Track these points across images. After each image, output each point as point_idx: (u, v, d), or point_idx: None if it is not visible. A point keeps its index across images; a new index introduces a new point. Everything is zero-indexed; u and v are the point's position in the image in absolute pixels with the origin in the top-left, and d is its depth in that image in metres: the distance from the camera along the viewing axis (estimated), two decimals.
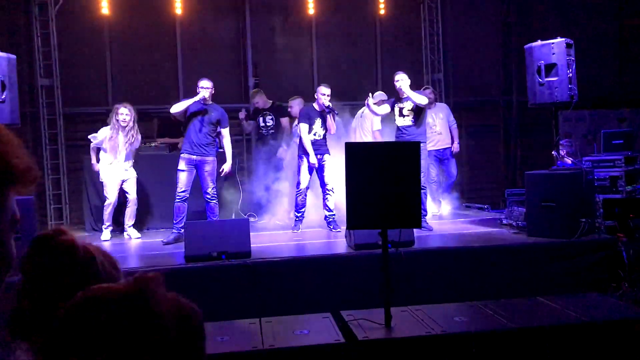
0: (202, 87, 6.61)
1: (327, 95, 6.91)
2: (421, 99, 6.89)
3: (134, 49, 9.51)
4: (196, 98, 6.59)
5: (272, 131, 8.08)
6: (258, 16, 9.97)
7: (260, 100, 8.21)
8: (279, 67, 10.00)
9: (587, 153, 7.95)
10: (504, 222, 6.85)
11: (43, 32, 8.66)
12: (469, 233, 6.63)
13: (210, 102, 6.74)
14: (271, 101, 8.28)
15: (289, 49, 10.08)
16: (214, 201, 6.70)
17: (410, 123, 6.97)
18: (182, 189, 6.54)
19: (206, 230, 5.49)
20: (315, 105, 7.00)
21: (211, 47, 9.86)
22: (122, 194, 6.95)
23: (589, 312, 4.19)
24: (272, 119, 8.09)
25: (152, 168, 7.76)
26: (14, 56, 5.70)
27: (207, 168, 6.62)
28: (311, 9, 9.79)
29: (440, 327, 4.00)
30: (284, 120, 8.12)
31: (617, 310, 4.33)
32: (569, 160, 7.18)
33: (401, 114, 7.04)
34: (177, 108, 6.65)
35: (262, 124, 8.13)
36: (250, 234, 5.52)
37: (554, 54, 6.06)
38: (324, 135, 6.99)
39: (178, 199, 6.56)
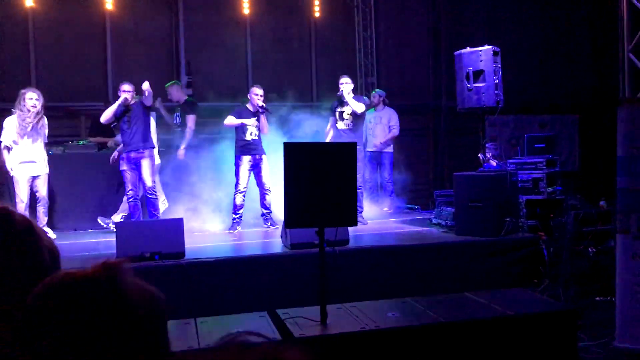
0: (123, 91, 6.75)
1: (260, 96, 7.01)
2: (359, 107, 7.08)
3: (60, 44, 9.17)
4: (118, 102, 6.71)
5: (178, 129, 7.86)
6: (192, 13, 9.84)
7: (174, 93, 7.99)
8: (212, 65, 9.91)
9: (511, 156, 8.32)
10: (434, 221, 7.09)
11: None
12: (401, 232, 6.82)
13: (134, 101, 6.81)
14: (186, 97, 8.09)
15: (223, 48, 10.01)
16: (153, 196, 6.74)
17: (347, 127, 7.16)
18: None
19: (139, 230, 5.37)
20: (248, 105, 7.05)
21: (143, 43, 9.65)
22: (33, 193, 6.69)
23: (513, 306, 4.40)
24: (178, 115, 7.91)
25: (79, 167, 7.52)
26: None
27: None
28: (246, 9, 9.76)
29: (374, 322, 4.10)
30: (190, 119, 7.77)
31: (540, 304, 4.58)
32: (494, 163, 7.50)
33: (341, 118, 7.19)
34: (105, 117, 6.80)
35: (173, 121, 8.00)
36: (185, 234, 5.45)
37: (481, 60, 6.33)
38: (259, 136, 7.04)
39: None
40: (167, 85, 8.16)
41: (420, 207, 9.04)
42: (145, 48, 9.65)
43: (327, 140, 7.56)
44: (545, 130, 10.89)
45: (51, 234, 6.68)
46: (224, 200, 7.46)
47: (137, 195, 6.73)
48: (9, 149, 6.56)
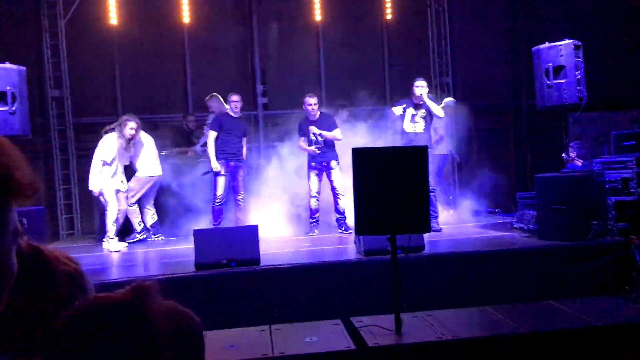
0: (232, 101, 7.43)
1: (314, 105, 7.19)
2: (439, 111, 6.95)
3: (142, 58, 9.58)
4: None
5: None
6: (265, 23, 10.01)
7: (214, 105, 8.15)
8: (286, 73, 10.03)
9: (599, 155, 7.86)
10: (515, 225, 6.80)
11: (52, 44, 8.74)
12: (480, 237, 6.60)
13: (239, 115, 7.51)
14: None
15: (296, 55, 10.11)
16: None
17: (420, 130, 6.97)
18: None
19: (216, 238, 5.49)
20: (308, 116, 7.20)
21: (219, 55, 9.91)
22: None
23: (602, 316, 4.14)
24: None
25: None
26: (24, 68, 5.76)
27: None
28: (318, 16, 9.82)
29: (452, 332, 3.98)
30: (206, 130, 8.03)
31: (633, 314, 4.28)
32: (579, 163, 7.12)
33: (412, 120, 7.01)
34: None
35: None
36: (260, 240, 5.51)
37: (561, 56, 6.02)
38: (325, 142, 7.18)
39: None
40: (206, 98, 8.38)
41: (501, 210, 8.72)
42: (221, 59, 9.91)
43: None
44: (635, 127, 10.23)
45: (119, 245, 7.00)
46: (300, 206, 7.63)
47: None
48: (105, 163, 6.92)
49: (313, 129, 7.17)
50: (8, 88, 5.51)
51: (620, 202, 6.03)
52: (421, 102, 6.94)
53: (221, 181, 7.27)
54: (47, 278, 1.05)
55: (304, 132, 7.34)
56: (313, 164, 7.24)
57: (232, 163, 7.34)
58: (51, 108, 8.88)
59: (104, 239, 6.92)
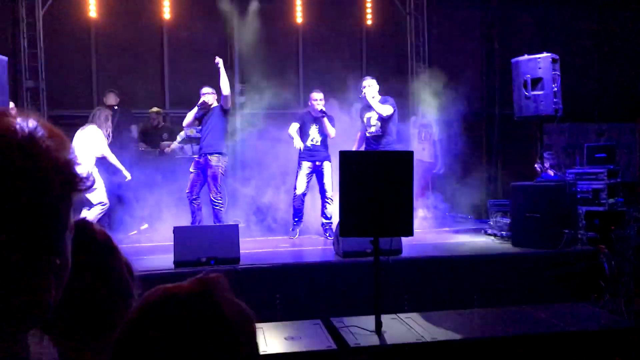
0: (203, 94, 6.96)
1: (320, 100, 6.94)
2: (384, 109, 6.72)
3: (120, 52, 9.47)
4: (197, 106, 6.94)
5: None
6: (246, 22, 9.99)
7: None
8: (265, 73, 10.02)
9: (567, 165, 8.10)
10: (488, 232, 6.96)
11: (29, 34, 8.58)
12: (455, 242, 6.72)
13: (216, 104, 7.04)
14: None
15: (276, 56, 10.11)
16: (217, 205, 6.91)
17: (376, 132, 6.87)
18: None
19: (196, 236, 5.49)
20: (311, 111, 7.02)
21: (198, 52, 9.85)
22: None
23: (574, 321, 4.28)
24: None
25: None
26: (5, 58, 5.64)
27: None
28: (299, 18, 9.86)
29: (430, 334, 4.05)
30: None
31: (603, 320, 4.43)
32: (551, 173, 7.32)
33: (368, 124, 6.92)
34: (186, 121, 7.06)
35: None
36: (240, 239, 5.52)
37: (540, 68, 6.19)
38: (322, 141, 6.99)
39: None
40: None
41: (473, 217, 8.88)
42: (200, 56, 9.85)
43: (354, 148, 7.27)
44: (602, 139, 10.54)
45: None
46: (283, 205, 7.59)
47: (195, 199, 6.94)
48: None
49: (319, 104, 6.88)
50: None
51: (591, 212, 6.23)
52: (368, 104, 6.82)
53: (191, 177, 6.96)
54: (112, 262, 1.08)
55: (302, 125, 7.02)
56: (306, 164, 6.92)
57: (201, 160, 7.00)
58: (25, 99, 8.71)
59: None
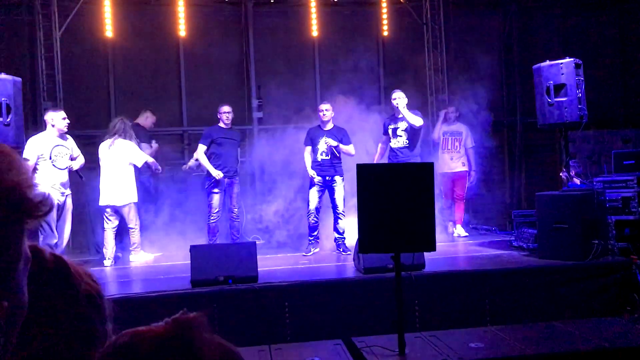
0: (222, 112, 7.29)
1: (326, 110, 6.91)
2: (416, 120, 6.80)
3: (137, 71, 9.51)
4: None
5: None
6: (262, 37, 9.97)
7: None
8: (282, 87, 9.96)
9: (593, 173, 7.86)
10: (514, 244, 6.75)
11: (47, 55, 8.63)
12: (480, 255, 6.52)
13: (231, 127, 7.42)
14: None
15: (293, 70, 10.06)
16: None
17: (403, 144, 6.89)
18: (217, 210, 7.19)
19: (212, 254, 5.38)
20: (320, 124, 6.99)
21: (214, 69, 9.86)
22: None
23: (607, 337, 4.07)
24: None
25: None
26: (19, 79, 5.65)
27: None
28: (315, 31, 9.80)
29: (457, 353, 3.88)
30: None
31: (635, 336, 4.21)
32: (577, 181, 7.09)
33: (394, 135, 6.95)
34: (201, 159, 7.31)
35: None
36: (258, 257, 5.41)
37: (562, 74, 6.01)
38: (332, 155, 6.88)
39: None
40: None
41: (497, 228, 8.66)
42: (216, 73, 9.85)
43: (376, 160, 7.30)
44: (628, 146, 10.26)
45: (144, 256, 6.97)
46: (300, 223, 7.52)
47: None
48: None
49: (329, 140, 6.79)
50: (3, 99, 5.40)
51: (621, 221, 5.99)
52: (399, 116, 6.89)
53: (216, 198, 7.15)
54: (65, 295, 0.92)
55: (312, 141, 6.93)
56: (316, 179, 6.85)
57: (226, 179, 7.20)
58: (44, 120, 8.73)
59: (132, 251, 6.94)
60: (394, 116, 6.97)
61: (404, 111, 6.78)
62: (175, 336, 0.72)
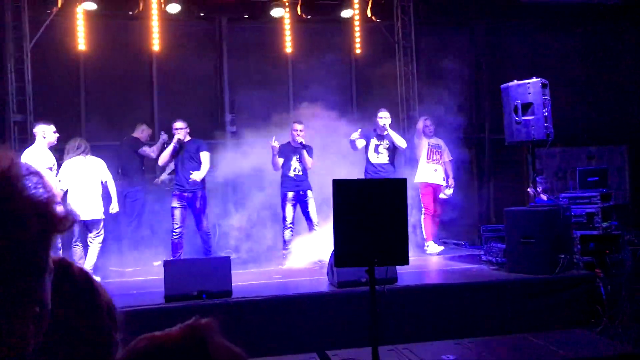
0: (175, 129, 7.02)
1: (300, 131, 7.06)
2: (401, 142, 7.10)
3: (109, 84, 9.45)
4: (172, 142, 7.04)
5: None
6: (236, 53, 10.03)
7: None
8: (255, 103, 10.01)
9: (559, 189, 8.10)
10: (483, 258, 6.89)
11: (17, 67, 8.53)
12: (450, 269, 6.65)
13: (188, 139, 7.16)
14: None
15: (266, 86, 10.12)
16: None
17: (385, 161, 7.15)
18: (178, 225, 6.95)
19: (186, 269, 5.38)
20: (291, 142, 7.16)
21: (188, 83, 9.86)
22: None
23: (573, 348, 4.20)
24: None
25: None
26: None
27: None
28: (288, 48, 9.90)
29: None
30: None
31: (602, 347, 4.36)
32: (544, 197, 7.29)
33: (376, 151, 7.16)
34: (162, 160, 7.19)
35: None
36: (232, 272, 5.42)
37: (529, 93, 6.22)
38: (303, 171, 7.08)
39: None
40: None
41: (467, 243, 8.82)
42: (189, 88, 9.85)
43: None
44: (592, 163, 10.59)
45: None
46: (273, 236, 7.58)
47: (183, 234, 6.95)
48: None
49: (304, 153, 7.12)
50: None
51: (586, 236, 6.19)
52: (384, 133, 7.10)
53: (177, 213, 6.99)
54: (91, 306, 0.99)
55: (283, 152, 7.16)
56: (290, 194, 7.10)
57: (185, 194, 7.02)
58: (13, 132, 8.61)
59: None
60: (376, 132, 7.19)
61: (391, 131, 7.12)
62: (191, 340, 0.77)
